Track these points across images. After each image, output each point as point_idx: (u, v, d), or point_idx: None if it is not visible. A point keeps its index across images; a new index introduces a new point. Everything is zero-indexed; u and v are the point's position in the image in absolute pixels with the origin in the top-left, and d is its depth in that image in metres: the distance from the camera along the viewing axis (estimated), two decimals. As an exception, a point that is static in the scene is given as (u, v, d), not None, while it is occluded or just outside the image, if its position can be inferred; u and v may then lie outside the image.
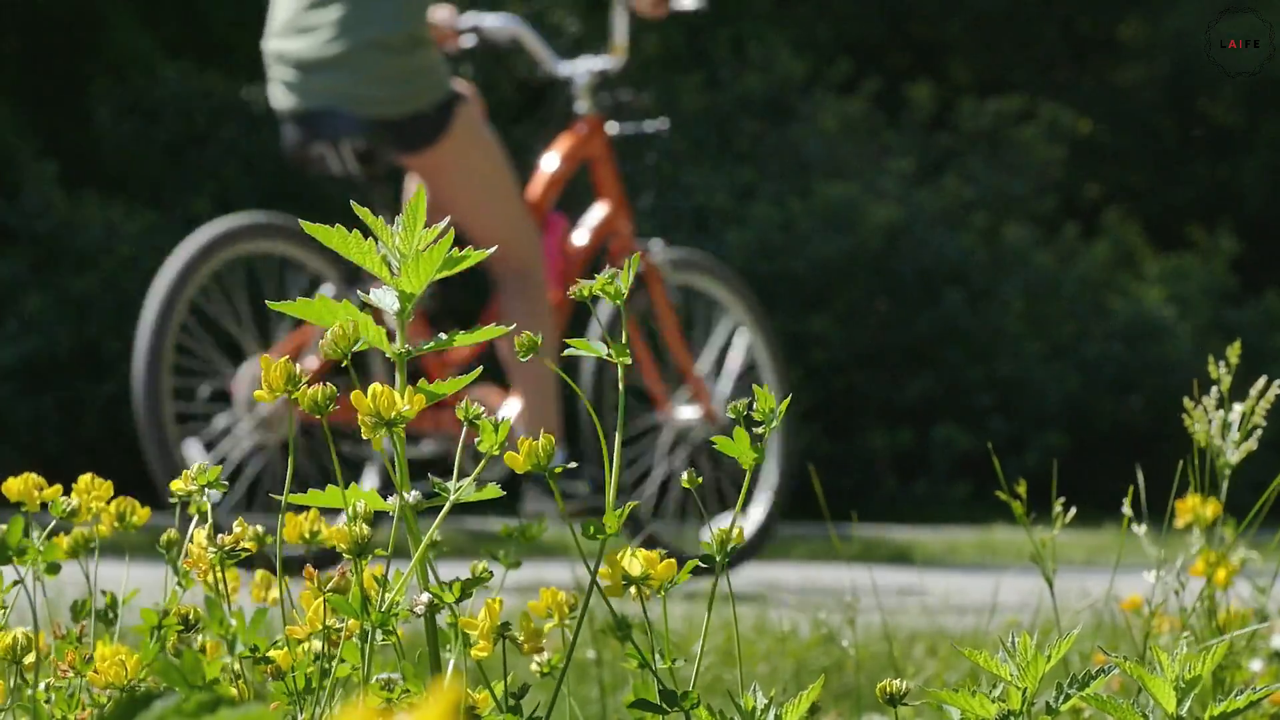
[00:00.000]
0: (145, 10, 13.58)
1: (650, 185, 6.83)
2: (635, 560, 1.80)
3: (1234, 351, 2.40)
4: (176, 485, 1.89)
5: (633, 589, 1.81)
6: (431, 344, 1.78)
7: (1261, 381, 2.42)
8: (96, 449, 11.20)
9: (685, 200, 13.13)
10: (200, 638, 2.00)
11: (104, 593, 2.11)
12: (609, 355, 1.80)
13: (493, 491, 1.79)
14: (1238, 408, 2.42)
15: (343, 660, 1.79)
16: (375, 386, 1.74)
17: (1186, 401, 2.43)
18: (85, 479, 2.09)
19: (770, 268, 12.75)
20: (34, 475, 2.11)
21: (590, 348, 1.81)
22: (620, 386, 1.86)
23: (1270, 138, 16.76)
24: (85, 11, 13.26)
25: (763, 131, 13.99)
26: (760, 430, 1.79)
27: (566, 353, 1.86)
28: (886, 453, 12.85)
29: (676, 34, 14.79)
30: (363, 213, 1.76)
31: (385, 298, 1.78)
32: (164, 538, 2.07)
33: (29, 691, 1.93)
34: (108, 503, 2.11)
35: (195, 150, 12.68)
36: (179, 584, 2.08)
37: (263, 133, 12.73)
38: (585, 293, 1.81)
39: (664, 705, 1.78)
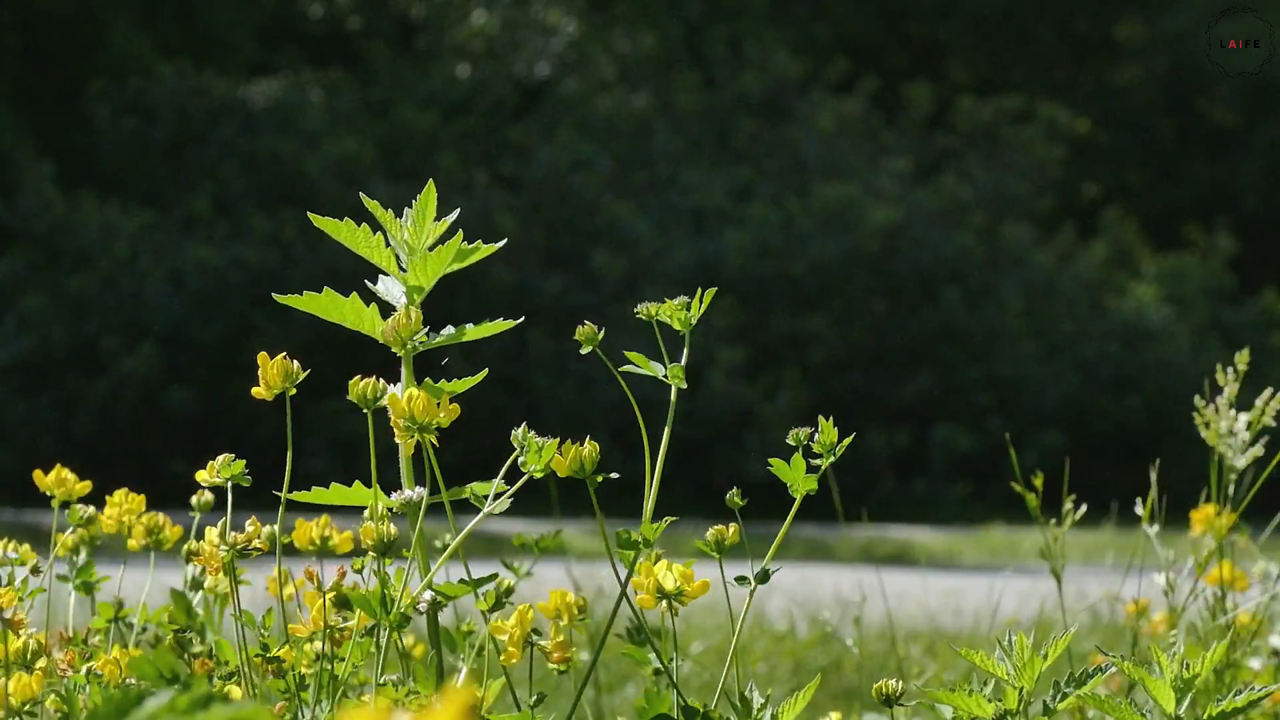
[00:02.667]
0: (142, 11, 13.58)
1: None
2: (670, 575, 1.80)
3: (1242, 359, 2.39)
4: (202, 475, 1.89)
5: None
6: (441, 338, 1.77)
7: (1267, 393, 2.40)
8: (93, 447, 11.20)
9: (683, 200, 13.13)
10: (209, 640, 2.00)
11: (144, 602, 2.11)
12: (665, 377, 1.80)
13: (501, 505, 1.79)
14: (1243, 417, 2.40)
15: (343, 659, 1.79)
16: (411, 390, 1.73)
17: (1198, 400, 2.41)
18: (120, 494, 2.10)
19: (768, 268, 12.75)
20: (64, 469, 2.11)
21: (650, 366, 1.81)
22: (672, 400, 1.86)
23: (1268, 138, 16.76)
24: (82, 12, 13.26)
25: (760, 131, 13.99)
26: None
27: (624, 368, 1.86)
28: (885, 452, 12.85)
29: (674, 33, 14.79)
30: (373, 206, 1.76)
31: (394, 292, 1.78)
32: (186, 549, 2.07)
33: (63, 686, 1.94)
34: (95, 502, 2.12)
35: (192, 150, 12.68)
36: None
37: (260, 132, 12.73)
38: (651, 313, 1.82)
39: (682, 720, 1.78)
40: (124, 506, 2.09)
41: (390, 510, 1.78)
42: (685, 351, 1.84)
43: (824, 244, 12.90)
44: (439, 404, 1.72)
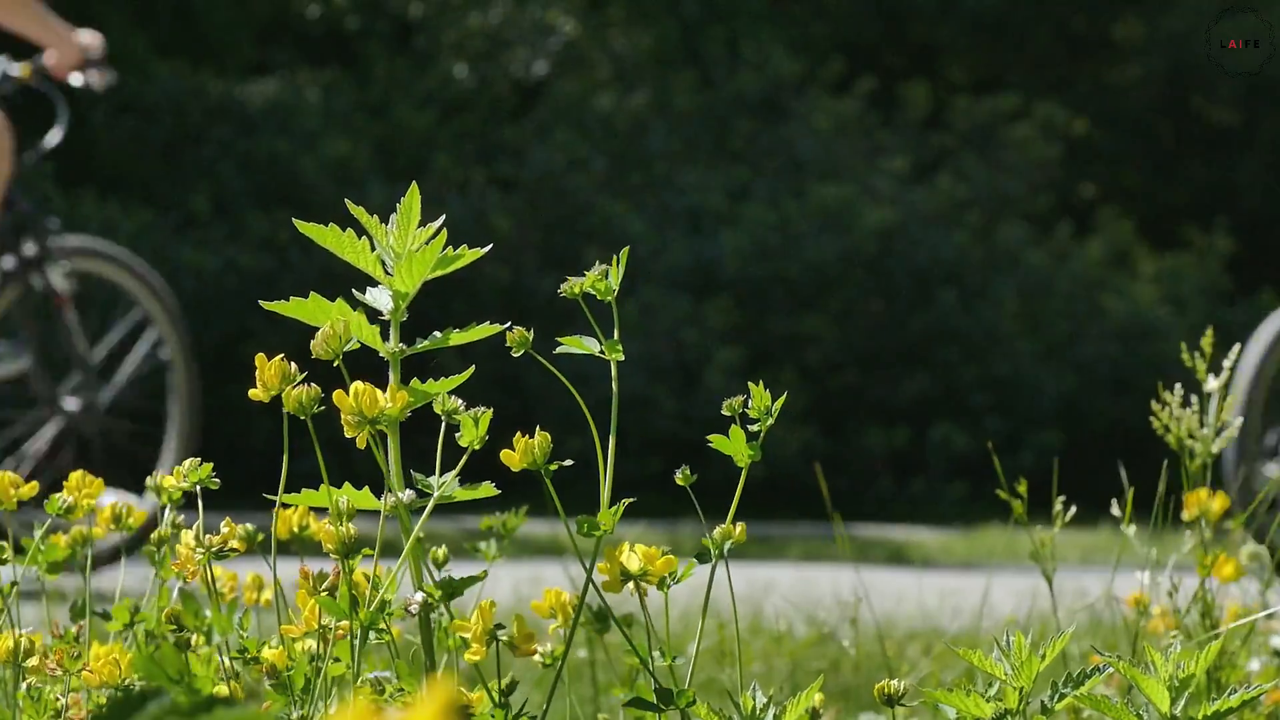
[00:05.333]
0: (138, 10, 13.57)
1: None
2: (634, 556, 1.80)
3: (1207, 341, 2.39)
4: (169, 481, 1.88)
5: (631, 584, 1.81)
6: (426, 343, 1.77)
7: (1225, 373, 2.40)
8: (93, 448, 11.18)
9: (679, 200, 13.12)
10: (199, 638, 1.99)
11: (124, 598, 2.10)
12: (601, 353, 1.80)
13: (487, 490, 1.78)
14: (1212, 381, 2.40)
15: (336, 659, 1.79)
16: (357, 384, 1.73)
17: (1154, 405, 2.41)
18: (76, 476, 2.07)
19: (765, 269, 12.74)
20: (9, 474, 2.09)
21: (583, 345, 1.80)
22: (614, 374, 1.85)
23: (1267, 138, 16.76)
24: (77, 11, 13.24)
25: (757, 131, 13.98)
26: None
27: (559, 350, 1.86)
28: (883, 452, 12.85)
29: (671, 33, 14.79)
30: (358, 212, 1.76)
31: (379, 297, 1.78)
32: (155, 536, 2.06)
33: (13, 692, 1.93)
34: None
35: (190, 149, 12.67)
36: (158, 575, 2.07)
37: (257, 132, 12.73)
38: (575, 290, 1.81)
39: (660, 704, 1.78)
40: (83, 491, 2.07)
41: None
42: (615, 324, 1.84)
43: (821, 244, 12.90)
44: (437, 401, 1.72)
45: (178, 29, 13.80)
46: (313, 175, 12.43)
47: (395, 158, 13.20)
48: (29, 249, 6.17)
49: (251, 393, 1.77)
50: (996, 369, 13.19)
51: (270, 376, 1.74)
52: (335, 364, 1.75)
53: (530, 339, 1.83)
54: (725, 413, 1.81)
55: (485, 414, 1.76)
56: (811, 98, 14.25)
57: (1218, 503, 2.43)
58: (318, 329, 1.84)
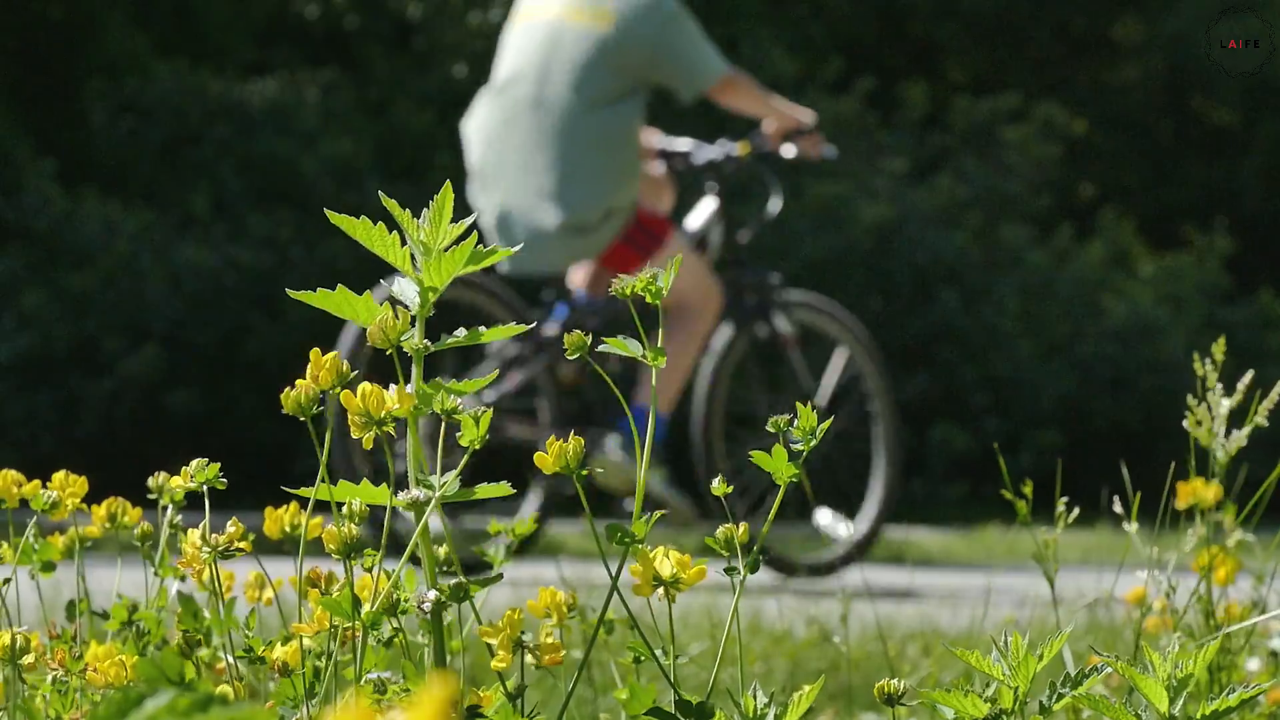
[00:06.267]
0: (138, 11, 13.58)
1: None
2: (667, 562, 1.80)
3: (1219, 348, 2.39)
4: (176, 481, 1.88)
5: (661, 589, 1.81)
6: (452, 339, 1.76)
7: (1247, 376, 2.40)
8: (93, 447, 11.19)
9: (680, 200, 13.12)
10: (201, 639, 2.00)
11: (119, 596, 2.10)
12: (643, 357, 1.80)
13: (503, 489, 1.78)
14: (1225, 402, 2.40)
15: (341, 659, 1.79)
16: (364, 385, 1.73)
17: (1191, 400, 2.41)
18: (60, 475, 2.07)
19: (764, 268, 12.74)
20: (12, 471, 2.08)
21: (626, 347, 1.80)
22: (653, 385, 1.87)
23: (1267, 138, 16.76)
24: (78, 12, 13.25)
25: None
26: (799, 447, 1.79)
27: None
28: (882, 452, 12.83)
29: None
30: (391, 205, 1.75)
31: (405, 289, 1.77)
32: (138, 531, 2.06)
33: (25, 692, 1.93)
34: (93, 502, 2.10)
35: (189, 149, 12.66)
36: (156, 573, 2.07)
37: (255, 133, 12.73)
38: (627, 291, 1.81)
39: (679, 715, 1.77)
40: (68, 490, 2.06)
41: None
42: (661, 330, 1.83)
43: (818, 243, 12.89)
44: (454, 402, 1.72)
45: (178, 29, 13.80)
46: (312, 175, 12.43)
47: (395, 157, 13.20)
48: (751, 302, 6.86)
49: (299, 382, 1.76)
50: (996, 369, 13.18)
51: (325, 375, 1.73)
52: (389, 353, 1.74)
53: (589, 343, 1.83)
54: (770, 429, 1.82)
55: (486, 413, 1.76)
56: (810, 97, 14.25)
57: (1211, 492, 2.43)
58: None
